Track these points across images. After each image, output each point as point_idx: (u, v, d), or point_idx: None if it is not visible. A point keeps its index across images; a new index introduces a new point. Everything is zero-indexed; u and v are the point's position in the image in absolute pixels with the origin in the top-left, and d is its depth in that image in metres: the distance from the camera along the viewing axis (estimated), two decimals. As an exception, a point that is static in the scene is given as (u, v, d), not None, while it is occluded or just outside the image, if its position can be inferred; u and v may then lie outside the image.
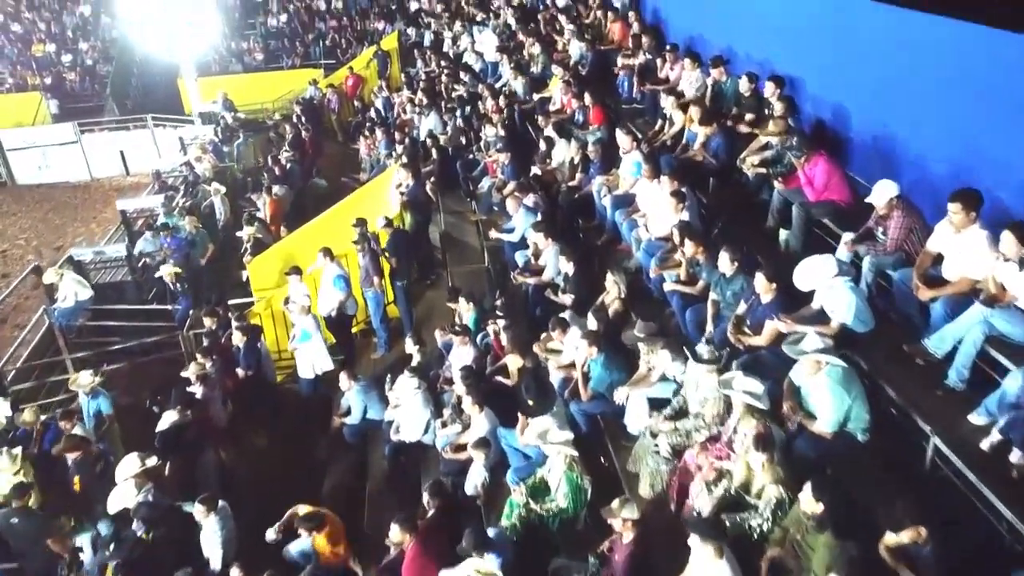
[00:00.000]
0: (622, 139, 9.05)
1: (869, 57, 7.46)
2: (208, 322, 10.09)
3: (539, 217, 9.16)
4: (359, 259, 10.18)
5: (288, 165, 16.20)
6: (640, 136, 9.72)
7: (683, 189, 7.58)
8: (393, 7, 28.40)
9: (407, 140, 14.95)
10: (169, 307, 12.27)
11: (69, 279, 12.06)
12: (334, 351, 10.81)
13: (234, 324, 9.62)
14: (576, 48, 13.40)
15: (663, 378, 6.20)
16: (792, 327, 5.52)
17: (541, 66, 14.40)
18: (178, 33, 21.58)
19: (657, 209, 7.93)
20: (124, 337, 12.56)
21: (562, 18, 15.08)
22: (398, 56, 22.70)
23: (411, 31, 25.49)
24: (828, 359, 4.97)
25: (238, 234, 12.98)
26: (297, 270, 10.29)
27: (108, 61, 27.07)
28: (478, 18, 20.18)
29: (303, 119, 19.07)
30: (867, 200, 5.95)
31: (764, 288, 5.82)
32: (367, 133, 17.52)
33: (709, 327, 6.49)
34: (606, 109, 11.14)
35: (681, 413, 5.82)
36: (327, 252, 10.11)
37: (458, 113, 15.25)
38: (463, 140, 14.35)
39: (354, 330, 11.13)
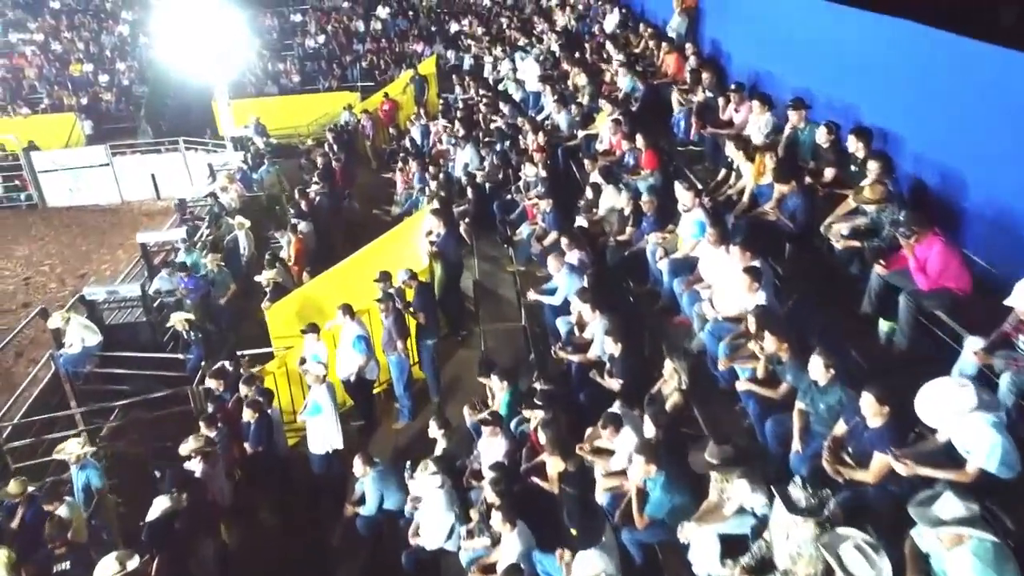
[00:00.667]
0: (682, 194, 7.90)
1: (992, 110, 6.22)
2: (214, 384, 9.15)
3: (584, 280, 8.05)
4: (382, 318, 9.16)
5: (316, 198, 15.33)
6: (701, 188, 8.56)
7: (758, 264, 6.40)
8: (433, 29, 27.69)
9: (441, 175, 13.97)
10: (181, 356, 11.40)
11: (76, 324, 11.27)
12: (353, 415, 9.83)
13: (242, 391, 8.67)
14: (626, 80, 12.29)
15: (740, 511, 5.02)
16: (912, 469, 4.32)
17: (587, 98, 13.33)
18: (212, 55, 20.96)
19: (726, 283, 6.77)
20: (135, 385, 11.83)
21: (610, 46, 14.01)
22: (436, 81, 21.88)
23: (450, 54, 24.74)
24: (973, 532, 3.76)
25: (257, 278, 12.09)
26: (314, 327, 9.33)
27: (144, 82, 26.71)
28: (520, 43, 19.22)
29: (334, 147, 18.26)
30: (1006, 303, 4.73)
31: (873, 411, 4.62)
32: (402, 164, 16.63)
33: (796, 444, 5.29)
34: (660, 153, 10.01)
35: (765, 566, 4.63)
36: (347, 310, 9.11)
37: (496, 147, 14.26)
38: (501, 177, 13.33)
39: (376, 389, 10.13)
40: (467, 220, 12.59)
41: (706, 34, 12.18)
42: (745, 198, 8.05)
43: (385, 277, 9.34)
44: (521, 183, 12.18)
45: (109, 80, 27.18)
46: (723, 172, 8.92)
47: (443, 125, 17.30)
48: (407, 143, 18.06)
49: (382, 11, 28.54)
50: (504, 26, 23.64)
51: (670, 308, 7.84)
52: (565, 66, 14.77)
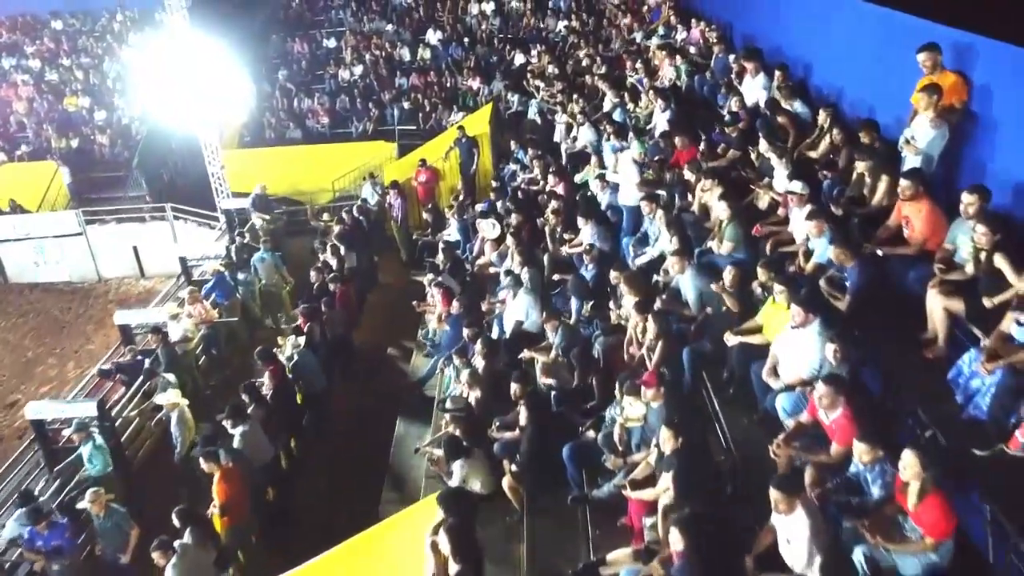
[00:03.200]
0: None
1: None
2: None
3: None
4: None
5: (293, 358, 10.09)
6: None
7: None
8: (493, 59, 22.24)
9: (478, 353, 8.46)
10: None
11: None
12: None
13: None
14: (819, 242, 6.57)
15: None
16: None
17: (728, 241, 7.70)
18: (207, 101, 15.99)
19: None
20: None
21: (768, 150, 8.21)
22: (490, 141, 16.39)
23: (513, 98, 19.26)
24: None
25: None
26: None
27: (146, 121, 21.98)
28: (606, 104, 13.62)
29: (341, 250, 13.01)
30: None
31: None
32: (428, 288, 11.28)
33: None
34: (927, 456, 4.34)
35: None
36: None
37: (572, 304, 8.79)
38: (576, 383, 7.81)
39: None
40: (514, 466, 7.16)
41: (989, 162, 6.26)
42: None
43: None
44: (616, 422, 6.62)
45: (107, 117, 22.68)
46: None
47: (490, 235, 11.81)
48: (441, 245, 12.64)
49: (433, 36, 23.25)
50: (583, 63, 18.06)
51: None
52: (687, 173, 9.05)
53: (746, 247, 7.74)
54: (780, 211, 7.70)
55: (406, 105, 21.27)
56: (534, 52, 20.75)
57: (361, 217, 14.75)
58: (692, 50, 13.96)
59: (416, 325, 12.21)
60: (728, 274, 6.89)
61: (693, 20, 14.64)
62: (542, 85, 17.95)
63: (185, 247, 17.94)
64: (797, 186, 7.03)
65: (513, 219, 11.30)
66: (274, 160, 20.04)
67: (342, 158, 19.84)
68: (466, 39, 22.86)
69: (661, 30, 15.88)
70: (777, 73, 9.82)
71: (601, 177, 10.68)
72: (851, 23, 8.85)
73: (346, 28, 24.48)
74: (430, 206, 15.21)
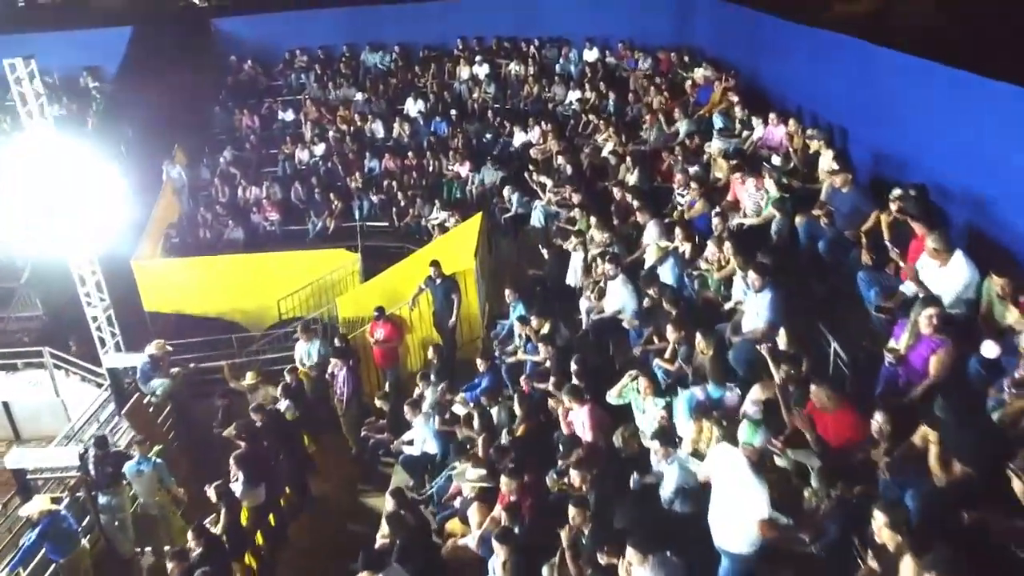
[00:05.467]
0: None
1: None
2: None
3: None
4: None
5: None
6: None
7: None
8: (486, 137, 17.67)
9: None
10: None
11: None
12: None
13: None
14: None
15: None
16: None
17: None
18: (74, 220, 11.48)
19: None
20: None
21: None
22: (478, 271, 11.62)
23: (512, 196, 14.53)
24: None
25: None
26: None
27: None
28: (648, 249, 8.96)
29: (233, 494, 8.18)
30: None
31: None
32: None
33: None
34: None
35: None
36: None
37: None
38: None
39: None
40: None
41: None
42: None
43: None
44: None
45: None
46: None
47: (472, 477, 7.10)
48: (390, 497, 7.80)
49: (413, 106, 18.72)
50: (602, 155, 13.53)
51: None
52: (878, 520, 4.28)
53: None
54: None
55: (375, 199, 16.69)
56: (538, 130, 16.17)
57: (287, 403, 9.97)
58: (776, 160, 9.32)
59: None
60: None
61: (773, 115, 9.97)
62: (549, 184, 13.41)
63: (70, 405, 13.43)
64: None
65: (505, 483, 6.52)
66: (203, 272, 15.45)
67: (291, 270, 15.16)
68: (453, 111, 18.28)
69: (717, 121, 11.27)
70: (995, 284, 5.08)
71: (663, 438, 5.86)
72: None
73: (306, 94, 19.90)
74: (388, 384, 10.42)
